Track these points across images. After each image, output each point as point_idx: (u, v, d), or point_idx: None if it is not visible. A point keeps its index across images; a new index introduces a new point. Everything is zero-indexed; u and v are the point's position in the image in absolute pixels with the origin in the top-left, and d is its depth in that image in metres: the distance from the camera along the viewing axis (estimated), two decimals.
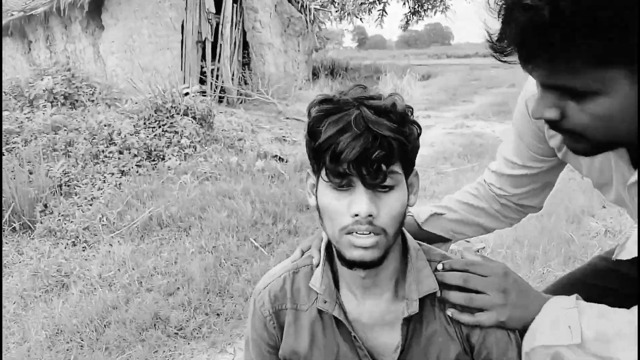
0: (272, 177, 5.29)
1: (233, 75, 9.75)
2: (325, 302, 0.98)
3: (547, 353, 0.88)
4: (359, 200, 0.82)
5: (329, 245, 1.02)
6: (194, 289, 3.15)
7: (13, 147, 5.46)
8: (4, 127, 5.70)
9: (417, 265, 0.99)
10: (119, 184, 4.97)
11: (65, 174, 5.17)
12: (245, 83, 9.98)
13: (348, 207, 0.84)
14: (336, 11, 17.84)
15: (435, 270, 0.99)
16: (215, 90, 9.22)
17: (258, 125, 7.48)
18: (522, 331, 0.97)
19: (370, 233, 0.84)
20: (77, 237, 4.03)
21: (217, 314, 2.97)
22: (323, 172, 0.85)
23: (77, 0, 6.70)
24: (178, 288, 3.20)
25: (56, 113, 6.12)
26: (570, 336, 0.85)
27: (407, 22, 19.65)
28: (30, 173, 4.95)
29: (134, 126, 5.67)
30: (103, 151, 5.45)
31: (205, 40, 9.31)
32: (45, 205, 4.57)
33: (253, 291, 1.11)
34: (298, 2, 10.49)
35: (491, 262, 1.01)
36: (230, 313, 2.96)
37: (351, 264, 0.89)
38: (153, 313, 2.86)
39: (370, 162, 0.79)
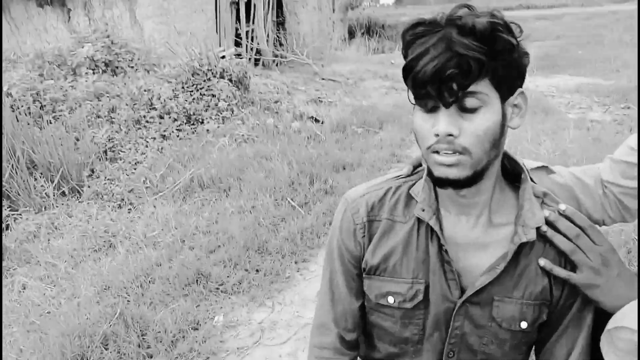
0: (308, 138, 5.30)
1: (268, 36, 9.67)
2: (423, 210, 0.99)
3: (632, 339, 0.86)
4: (440, 120, 0.85)
5: None
6: (234, 246, 3.24)
7: (60, 115, 5.65)
8: (50, 95, 5.89)
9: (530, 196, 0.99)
10: (161, 148, 5.10)
11: (109, 140, 5.35)
12: (280, 44, 9.90)
13: (432, 128, 0.86)
14: None
15: (553, 210, 0.98)
16: (250, 52, 9.19)
17: (294, 87, 7.45)
18: (600, 315, 0.96)
19: (452, 152, 0.86)
20: (123, 199, 4.18)
21: (257, 270, 3.06)
22: (412, 96, 0.89)
23: None
24: (219, 246, 3.30)
25: (98, 80, 6.27)
26: None
27: None
28: (77, 140, 5.13)
29: (173, 90, 5.75)
30: (144, 116, 5.57)
31: (239, 1, 9.23)
32: (92, 170, 4.76)
33: (345, 195, 1.11)
34: None
35: (603, 236, 0.99)
36: (268, 269, 3.05)
37: (438, 182, 0.91)
38: (195, 269, 2.97)
39: (444, 80, 0.80)
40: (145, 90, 5.79)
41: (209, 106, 5.63)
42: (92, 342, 2.32)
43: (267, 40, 9.63)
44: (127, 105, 5.76)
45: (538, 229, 0.97)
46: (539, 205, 0.99)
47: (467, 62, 0.79)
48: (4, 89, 5.76)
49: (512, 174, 1.04)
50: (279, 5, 10.06)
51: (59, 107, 5.86)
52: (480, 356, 1.04)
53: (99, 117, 5.74)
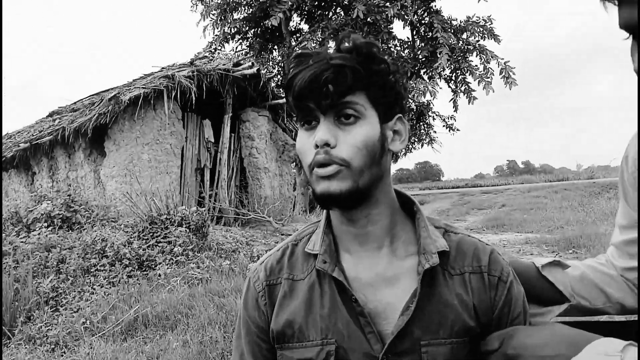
0: None
1: (230, 198, 9.99)
2: (325, 262, 0.92)
3: None
4: (318, 131, 0.84)
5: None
6: None
7: (5, 268, 5.40)
8: None
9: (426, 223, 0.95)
10: (107, 294, 4.83)
11: (53, 289, 5.06)
12: (243, 205, 10.18)
13: (312, 142, 0.85)
14: None
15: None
16: (212, 211, 9.37)
17: (253, 239, 7.48)
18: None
19: (330, 163, 0.83)
20: (57, 342, 3.81)
21: None
22: (296, 114, 0.89)
23: (81, 127, 7.15)
24: None
25: (51, 234, 6.17)
26: None
27: (396, 156, 20.53)
28: (17, 292, 4.84)
29: (128, 239, 5.67)
30: (95, 265, 5.39)
31: (204, 167, 9.72)
32: (29, 318, 4.40)
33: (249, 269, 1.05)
34: (292, 131, 11.15)
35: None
36: None
37: (321, 199, 0.86)
38: None
39: (322, 86, 0.81)
40: (98, 240, 5.69)
41: (163, 251, 5.53)
42: None
43: (230, 202, 9.92)
44: (77, 255, 5.59)
45: (445, 256, 0.92)
46: (441, 234, 0.95)
47: (343, 70, 0.81)
48: None
49: (407, 209, 0.99)
50: (242, 171, 10.63)
51: (5, 260, 5.63)
52: None
53: (46, 267, 5.52)
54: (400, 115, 0.92)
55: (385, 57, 0.87)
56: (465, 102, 14.03)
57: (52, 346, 3.78)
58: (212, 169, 9.99)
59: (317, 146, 0.83)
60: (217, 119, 9.68)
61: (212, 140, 9.89)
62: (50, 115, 9.65)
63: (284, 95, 0.98)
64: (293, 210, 11.91)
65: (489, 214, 13.78)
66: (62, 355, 3.62)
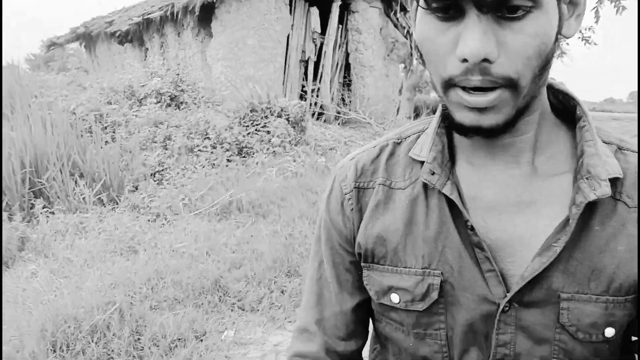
0: None
1: (333, 95, 9.74)
2: (433, 173, 0.66)
3: None
4: (469, 34, 0.52)
5: None
6: (261, 264, 2.90)
7: (118, 138, 5.73)
8: (112, 119, 6.03)
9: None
10: (208, 175, 4.96)
11: (159, 163, 5.30)
12: (344, 103, 9.92)
13: (454, 46, 0.54)
14: None
15: None
16: (314, 106, 9.24)
17: (351, 140, 7.29)
18: None
19: (488, 88, 0.54)
20: (159, 214, 4.00)
21: (282, 292, 2.68)
22: None
23: (189, 4, 7.09)
24: (245, 263, 2.97)
25: (160, 110, 6.39)
26: None
27: None
28: (126, 163, 5.11)
29: (229, 123, 5.71)
30: (198, 145, 5.53)
31: (308, 59, 9.44)
32: (136, 187, 4.66)
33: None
34: (404, 28, 10.35)
35: None
36: (295, 291, 2.66)
37: (461, 130, 0.59)
38: (213, 280, 2.64)
39: None
40: (202, 121, 5.79)
41: (262, 140, 5.52)
42: (78, 330, 2.00)
43: (332, 99, 9.69)
44: (183, 134, 5.77)
45: (615, 181, 0.61)
46: (612, 152, 0.64)
47: None
48: (71, 107, 5.97)
49: (563, 111, 0.68)
50: (347, 68, 10.22)
51: (118, 130, 5.96)
52: None
53: (154, 142, 5.77)
54: None
55: None
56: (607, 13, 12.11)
57: (154, 217, 3.97)
58: (316, 62, 9.68)
59: (465, 60, 0.52)
60: (326, 7, 9.16)
61: (319, 30, 9.48)
62: None
63: None
64: (397, 114, 11.44)
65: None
66: (162, 226, 3.79)
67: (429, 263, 0.67)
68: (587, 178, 0.60)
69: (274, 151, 5.38)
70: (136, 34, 8.49)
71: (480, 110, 0.55)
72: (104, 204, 4.18)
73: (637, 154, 0.65)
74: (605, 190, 0.59)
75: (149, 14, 7.85)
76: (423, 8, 0.55)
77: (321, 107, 9.40)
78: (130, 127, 6.06)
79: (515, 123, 0.58)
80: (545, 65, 0.56)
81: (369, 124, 8.94)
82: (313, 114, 9.06)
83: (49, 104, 5.92)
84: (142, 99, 6.95)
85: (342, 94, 10.05)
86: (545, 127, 0.65)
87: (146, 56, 8.44)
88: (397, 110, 11.35)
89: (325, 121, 9.22)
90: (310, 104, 9.23)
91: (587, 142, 0.63)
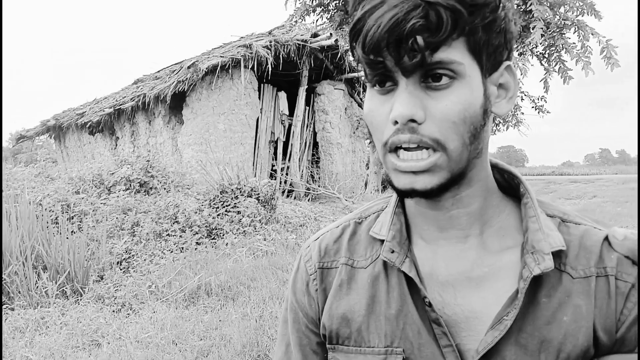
0: None
1: (302, 172, 9.92)
2: (392, 251, 0.71)
3: None
4: (397, 99, 0.59)
5: None
6: (230, 351, 2.81)
7: (85, 227, 5.65)
8: (79, 208, 5.98)
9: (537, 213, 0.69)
10: (176, 260, 4.89)
11: (127, 251, 5.22)
12: (314, 180, 10.09)
13: (389, 114, 0.61)
14: None
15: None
16: (283, 185, 9.36)
17: (321, 215, 7.35)
18: None
19: (417, 147, 0.60)
20: (124, 303, 3.89)
21: None
22: (364, 70, 0.63)
23: (161, 93, 7.31)
24: (212, 350, 2.88)
25: (129, 197, 6.38)
26: None
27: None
28: (92, 252, 5.02)
29: (199, 206, 5.73)
30: (166, 230, 5.49)
31: (277, 139, 9.70)
32: (101, 277, 4.55)
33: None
34: None
35: None
36: None
37: (401, 194, 0.64)
38: None
39: (406, 37, 0.56)
40: (171, 205, 5.79)
41: (232, 221, 5.52)
42: None
43: (301, 176, 9.86)
44: (151, 219, 5.73)
45: (559, 254, 0.66)
46: (556, 225, 0.70)
47: (436, 12, 0.55)
48: (37, 199, 5.92)
49: (508, 189, 0.75)
50: (315, 146, 10.51)
51: (85, 219, 5.89)
52: None
53: (122, 229, 5.71)
54: (509, 62, 0.65)
55: None
56: (556, 84, 12.94)
57: (119, 307, 3.86)
58: (285, 142, 9.94)
59: (396, 122, 0.59)
60: (292, 91, 9.57)
61: (287, 112, 9.82)
62: (135, 82, 10.01)
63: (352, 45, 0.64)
64: (365, 188, 11.66)
65: (577, 205, 12.73)
66: (127, 317, 3.67)
67: (391, 341, 0.70)
68: (532, 252, 0.65)
69: (244, 231, 5.38)
70: (107, 124, 8.66)
71: (415, 173, 0.61)
72: (67, 297, 4.05)
73: (580, 225, 0.69)
74: (549, 264, 0.63)
75: (121, 104, 8.07)
76: (366, 82, 0.63)
77: (291, 184, 9.54)
78: (98, 216, 6.00)
79: (449, 187, 0.63)
80: (475, 134, 0.62)
81: (338, 199, 9.07)
82: (283, 192, 9.16)
83: (15, 196, 5.88)
84: (110, 186, 6.95)
85: (311, 171, 10.26)
86: (492, 202, 0.70)
87: (117, 145, 8.54)
88: (365, 184, 11.58)
89: (295, 198, 9.32)
90: (280, 182, 9.36)
91: (530, 218, 0.68)
